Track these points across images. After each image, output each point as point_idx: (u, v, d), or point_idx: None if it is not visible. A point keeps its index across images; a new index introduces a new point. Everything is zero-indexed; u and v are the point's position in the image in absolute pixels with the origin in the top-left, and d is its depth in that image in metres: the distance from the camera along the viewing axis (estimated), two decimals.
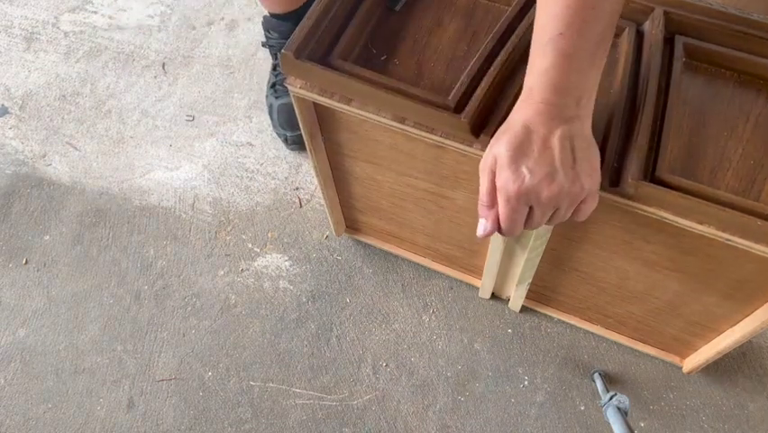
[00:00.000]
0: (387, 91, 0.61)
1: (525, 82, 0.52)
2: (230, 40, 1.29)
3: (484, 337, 0.98)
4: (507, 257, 0.84)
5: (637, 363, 0.95)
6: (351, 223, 1.01)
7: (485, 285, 0.95)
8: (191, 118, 1.21)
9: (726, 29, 0.63)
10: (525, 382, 0.95)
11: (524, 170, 0.50)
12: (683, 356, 0.91)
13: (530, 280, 0.86)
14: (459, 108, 0.60)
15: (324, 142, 0.77)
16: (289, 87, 0.66)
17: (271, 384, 0.97)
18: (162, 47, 1.30)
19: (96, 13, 1.35)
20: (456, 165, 0.69)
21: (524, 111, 0.52)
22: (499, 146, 0.52)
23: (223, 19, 1.32)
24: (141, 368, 0.99)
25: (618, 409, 0.76)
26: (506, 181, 0.51)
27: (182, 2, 1.35)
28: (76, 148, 1.20)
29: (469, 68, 0.62)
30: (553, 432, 0.92)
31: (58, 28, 1.34)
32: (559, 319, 0.98)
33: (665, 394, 0.93)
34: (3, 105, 1.26)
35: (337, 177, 0.86)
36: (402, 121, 0.63)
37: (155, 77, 1.26)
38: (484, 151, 0.61)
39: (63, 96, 1.26)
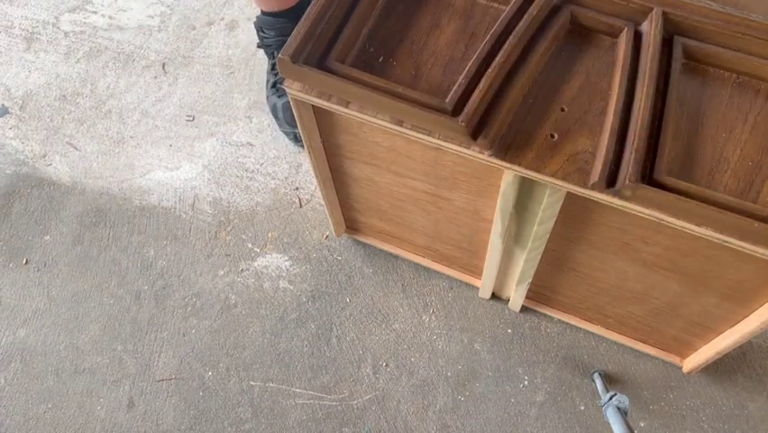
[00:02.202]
0: (384, 94, 0.61)
1: None
2: (230, 40, 1.29)
3: (484, 337, 0.98)
4: (507, 257, 0.84)
5: (637, 363, 0.95)
6: (350, 223, 1.01)
7: (485, 285, 0.95)
8: (191, 118, 1.21)
9: (725, 30, 0.62)
10: (525, 382, 0.95)
11: None
12: (683, 356, 0.91)
13: (530, 281, 0.86)
14: (456, 111, 0.60)
15: (323, 144, 0.77)
16: (287, 90, 0.65)
17: (271, 384, 0.97)
18: (162, 47, 1.30)
19: (95, 13, 1.36)
20: (454, 167, 0.69)
21: None
22: None
23: (223, 19, 1.32)
24: (141, 368, 0.99)
25: (618, 409, 0.76)
26: None
27: (182, 2, 1.35)
28: (76, 148, 1.20)
29: (466, 69, 0.61)
30: (552, 432, 0.92)
31: (58, 28, 1.34)
32: (559, 319, 0.98)
33: (665, 394, 0.93)
34: (3, 105, 1.26)
35: (336, 178, 0.86)
36: (400, 123, 0.63)
37: (155, 77, 1.26)
38: (483, 153, 0.60)
39: (63, 96, 1.26)
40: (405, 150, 0.70)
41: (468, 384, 0.95)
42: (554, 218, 0.68)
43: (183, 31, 1.31)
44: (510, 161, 0.61)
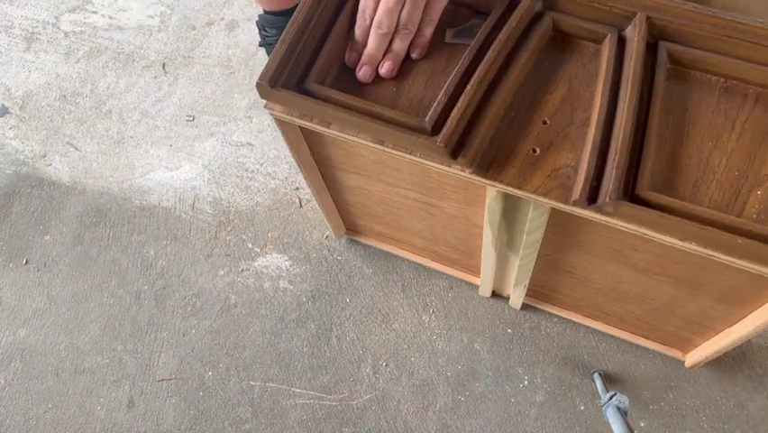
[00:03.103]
0: (362, 116, 0.59)
1: None
2: (230, 40, 1.29)
3: (484, 337, 0.98)
4: (502, 262, 0.84)
5: (637, 363, 0.95)
6: (349, 226, 1.01)
7: (484, 285, 0.95)
8: (191, 118, 1.21)
9: (711, 33, 0.61)
10: (525, 382, 0.95)
11: None
12: (685, 351, 0.91)
13: (526, 283, 0.86)
14: (436, 130, 0.58)
15: (313, 156, 0.76)
16: (270, 112, 0.64)
17: (271, 384, 0.97)
18: (162, 47, 1.30)
19: (96, 13, 1.36)
20: (441, 179, 0.68)
21: None
22: None
23: (223, 19, 1.32)
24: (141, 368, 0.99)
25: (618, 409, 0.76)
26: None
27: (182, 2, 1.35)
28: (76, 148, 1.20)
29: (446, 86, 0.60)
30: (552, 432, 0.92)
31: (58, 28, 1.34)
32: (559, 319, 0.98)
33: (665, 394, 0.93)
34: (3, 105, 1.26)
35: (330, 186, 0.85)
36: (381, 143, 0.61)
37: (155, 77, 1.26)
38: (464, 171, 0.60)
39: (63, 96, 1.26)
40: (391, 163, 0.70)
41: (468, 384, 0.95)
42: (542, 229, 0.67)
43: (183, 31, 1.31)
44: (491, 178, 0.59)
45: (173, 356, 1.00)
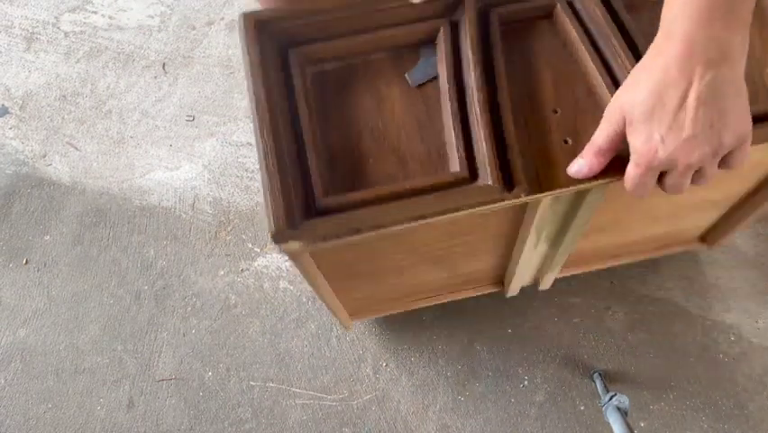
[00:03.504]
0: (396, 201, 0.55)
1: (661, 20, 0.46)
2: (230, 40, 1.29)
3: (484, 337, 0.98)
4: (540, 260, 0.80)
5: (637, 363, 0.95)
6: (357, 311, 0.91)
7: (513, 288, 0.90)
8: (191, 118, 1.21)
9: None
10: (525, 382, 0.95)
11: (656, 137, 0.45)
12: (704, 239, 0.89)
13: (562, 263, 0.82)
14: (473, 173, 0.55)
15: (324, 275, 0.69)
16: (286, 252, 0.56)
17: (271, 384, 0.97)
18: (162, 47, 1.30)
19: (96, 13, 1.36)
20: (470, 219, 0.63)
21: (660, 57, 0.45)
22: (629, 102, 0.46)
23: (223, 19, 1.32)
24: (141, 368, 0.99)
25: (618, 409, 0.76)
26: (636, 147, 0.47)
27: (182, 2, 1.35)
28: (76, 148, 1.20)
29: (451, 125, 0.57)
30: (552, 432, 0.92)
31: (58, 28, 1.34)
32: (559, 319, 0.98)
33: (665, 394, 0.93)
34: (3, 105, 1.26)
35: (338, 288, 0.77)
36: (423, 217, 0.55)
37: (155, 77, 1.26)
38: (519, 197, 0.55)
39: (63, 96, 1.26)
40: (411, 231, 0.63)
41: (468, 384, 0.95)
42: (593, 210, 0.64)
43: (183, 31, 1.31)
44: (548, 189, 0.56)
45: (173, 356, 1.00)
